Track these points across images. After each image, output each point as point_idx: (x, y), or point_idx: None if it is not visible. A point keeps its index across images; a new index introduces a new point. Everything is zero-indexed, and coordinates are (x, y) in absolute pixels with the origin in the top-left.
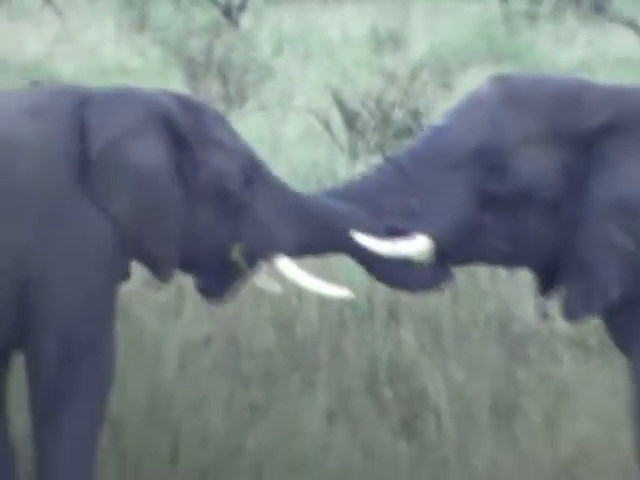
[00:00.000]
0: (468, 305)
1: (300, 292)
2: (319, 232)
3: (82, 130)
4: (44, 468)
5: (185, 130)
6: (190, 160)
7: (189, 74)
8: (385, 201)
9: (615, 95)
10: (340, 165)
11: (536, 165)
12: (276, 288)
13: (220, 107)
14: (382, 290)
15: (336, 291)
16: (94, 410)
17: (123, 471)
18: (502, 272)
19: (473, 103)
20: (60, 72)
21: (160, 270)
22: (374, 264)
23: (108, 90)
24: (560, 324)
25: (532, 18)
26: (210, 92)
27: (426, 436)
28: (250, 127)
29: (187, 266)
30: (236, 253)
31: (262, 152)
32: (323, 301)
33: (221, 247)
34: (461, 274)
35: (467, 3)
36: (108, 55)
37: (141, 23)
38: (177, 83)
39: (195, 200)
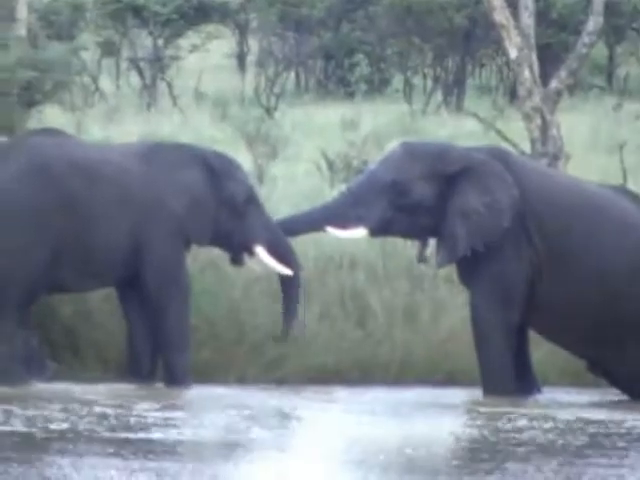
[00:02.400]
0: (397, 259)
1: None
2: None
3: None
4: (162, 341)
5: (215, 168)
6: (217, 185)
7: (247, 141)
8: (346, 210)
9: (465, 153)
10: (325, 188)
11: (423, 190)
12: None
13: (265, 160)
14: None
15: (284, 269)
16: (183, 305)
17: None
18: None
19: (390, 155)
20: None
21: (195, 240)
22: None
23: (177, 144)
24: (441, 270)
25: (424, 113)
26: (259, 152)
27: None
28: (281, 169)
29: (215, 243)
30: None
31: (285, 182)
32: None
33: (232, 233)
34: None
35: (391, 104)
36: (206, 133)
37: (223, 115)
38: (242, 148)
39: (219, 207)
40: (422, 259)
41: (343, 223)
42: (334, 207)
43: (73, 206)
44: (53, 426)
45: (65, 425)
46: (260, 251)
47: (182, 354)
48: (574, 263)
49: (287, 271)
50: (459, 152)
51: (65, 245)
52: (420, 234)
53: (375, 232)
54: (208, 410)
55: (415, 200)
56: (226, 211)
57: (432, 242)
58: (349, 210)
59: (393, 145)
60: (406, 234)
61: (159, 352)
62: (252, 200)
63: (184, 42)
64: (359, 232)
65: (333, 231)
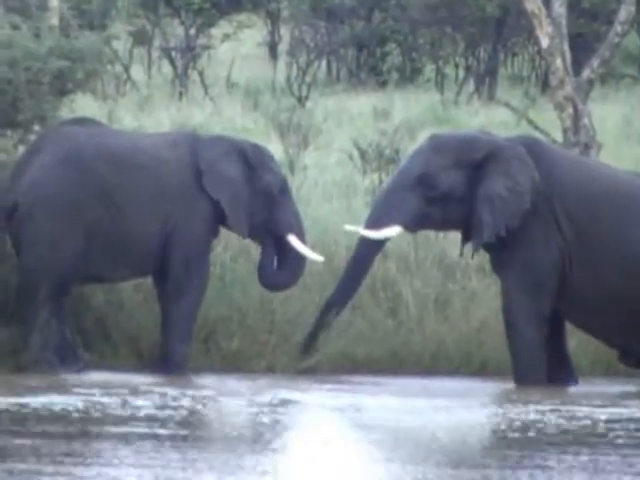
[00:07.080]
0: (429, 249)
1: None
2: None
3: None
4: (168, 325)
5: (251, 159)
6: (252, 175)
7: (279, 131)
8: (379, 210)
9: (491, 140)
10: (357, 177)
11: (451, 180)
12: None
13: (296, 149)
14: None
15: (316, 256)
16: (199, 296)
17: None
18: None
19: (417, 150)
20: (214, 132)
21: (238, 232)
22: None
23: (216, 136)
24: (474, 260)
25: (456, 102)
26: (290, 141)
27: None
28: (313, 159)
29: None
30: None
31: (317, 172)
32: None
33: (264, 223)
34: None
35: (423, 93)
36: (238, 122)
37: (255, 106)
38: (274, 137)
39: (254, 196)
40: (462, 252)
41: (377, 224)
42: (371, 211)
43: (107, 195)
44: (76, 415)
45: (88, 414)
46: (293, 239)
47: (184, 344)
48: (604, 250)
49: (319, 258)
50: (485, 139)
51: (99, 234)
52: (455, 225)
53: (410, 228)
54: (236, 400)
55: (445, 191)
56: (261, 201)
57: None
58: (382, 210)
59: (424, 136)
60: (442, 226)
61: (163, 337)
62: (285, 190)
63: (216, 31)
64: (393, 230)
65: (368, 233)
